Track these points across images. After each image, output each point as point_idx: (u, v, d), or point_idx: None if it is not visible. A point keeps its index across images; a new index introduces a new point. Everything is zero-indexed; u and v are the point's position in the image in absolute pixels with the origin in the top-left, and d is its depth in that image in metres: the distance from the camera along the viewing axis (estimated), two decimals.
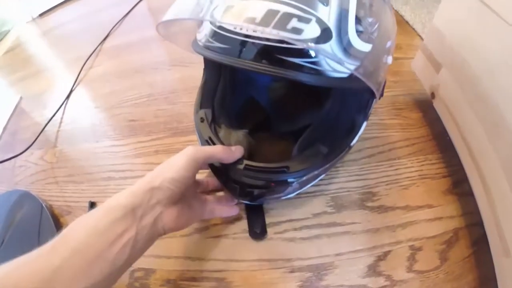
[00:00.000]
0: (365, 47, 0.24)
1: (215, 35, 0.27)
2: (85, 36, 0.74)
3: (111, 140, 0.48)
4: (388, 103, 0.47)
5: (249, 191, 0.31)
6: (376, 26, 0.26)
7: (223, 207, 0.34)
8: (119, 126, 0.50)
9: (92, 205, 0.41)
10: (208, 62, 0.38)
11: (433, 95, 0.43)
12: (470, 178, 0.36)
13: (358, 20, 0.24)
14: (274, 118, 0.42)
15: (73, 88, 0.59)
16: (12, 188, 0.45)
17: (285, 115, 0.41)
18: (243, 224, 0.36)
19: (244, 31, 0.24)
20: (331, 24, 0.23)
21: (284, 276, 0.32)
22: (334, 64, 0.24)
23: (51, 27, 0.81)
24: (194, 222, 0.34)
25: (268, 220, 0.36)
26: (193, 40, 0.31)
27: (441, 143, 0.42)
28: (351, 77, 0.25)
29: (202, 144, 0.34)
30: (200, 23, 0.30)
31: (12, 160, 0.47)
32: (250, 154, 0.35)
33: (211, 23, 0.27)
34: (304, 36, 0.22)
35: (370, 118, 0.35)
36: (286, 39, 0.22)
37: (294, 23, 0.22)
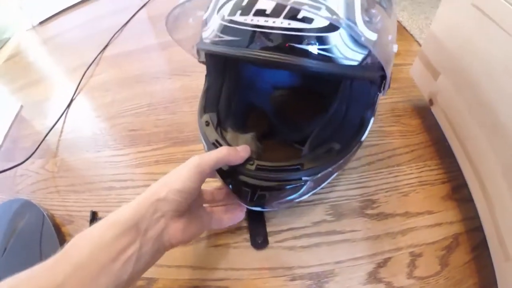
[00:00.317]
0: (372, 35, 0.25)
1: (224, 29, 0.26)
2: (85, 44, 0.74)
3: (112, 149, 0.48)
4: (387, 110, 0.47)
5: (261, 194, 0.30)
6: (379, 17, 0.26)
7: (231, 215, 0.33)
8: (119, 135, 0.50)
9: (94, 214, 0.41)
10: (211, 68, 0.37)
11: (431, 101, 0.43)
12: (469, 184, 0.36)
13: (363, 10, 0.24)
14: (280, 127, 0.41)
15: (74, 97, 0.59)
16: (13, 197, 0.45)
17: (290, 125, 0.40)
18: (245, 233, 0.36)
19: (255, 22, 0.24)
20: (341, 12, 0.23)
21: (285, 284, 0.32)
22: (346, 51, 0.25)
23: (52, 35, 0.82)
24: (202, 233, 0.33)
25: (268, 229, 0.36)
26: (198, 41, 0.31)
27: (440, 149, 0.42)
28: (362, 65, 0.26)
29: (209, 149, 0.33)
30: (205, 22, 0.30)
31: (13, 169, 0.47)
32: (258, 157, 0.33)
33: (220, 18, 0.27)
34: (314, 25, 0.22)
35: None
36: (297, 28, 0.22)
37: (304, 12, 0.22)
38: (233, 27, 0.26)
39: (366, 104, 0.33)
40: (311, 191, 0.33)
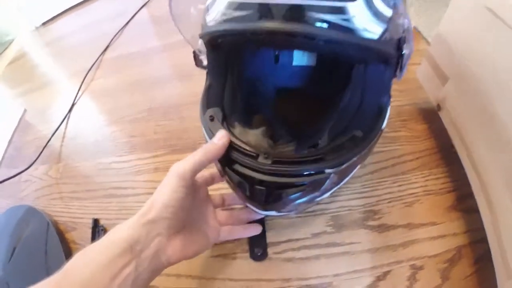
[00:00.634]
0: (387, 11, 0.24)
1: (232, 4, 0.24)
2: (87, 46, 0.74)
3: (112, 156, 0.49)
4: (393, 114, 0.45)
5: (278, 193, 0.26)
6: None
7: (241, 228, 0.32)
8: (120, 142, 0.50)
9: (96, 222, 0.41)
10: (212, 65, 0.34)
11: (439, 106, 0.41)
12: (476, 194, 0.35)
13: None
14: (286, 138, 0.37)
15: (75, 102, 0.59)
16: (18, 203, 0.46)
17: (297, 135, 0.36)
18: (244, 244, 0.36)
19: None
20: None
21: None
22: (366, 22, 0.23)
23: (54, 37, 0.81)
24: (208, 248, 0.31)
25: (267, 240, 0.36)
26: (202, 31, 0.29)
27: (446, 156, 0.40)
28: (381, 40, 0.24)
29: None
30: (207, 8, 0.28)
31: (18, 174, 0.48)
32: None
33: None
34: None
35: None
36: None
37: None
38: (241, 2, 0.23)
39: (381, 89, 0.30)
40: (333, 187, 0.31)
